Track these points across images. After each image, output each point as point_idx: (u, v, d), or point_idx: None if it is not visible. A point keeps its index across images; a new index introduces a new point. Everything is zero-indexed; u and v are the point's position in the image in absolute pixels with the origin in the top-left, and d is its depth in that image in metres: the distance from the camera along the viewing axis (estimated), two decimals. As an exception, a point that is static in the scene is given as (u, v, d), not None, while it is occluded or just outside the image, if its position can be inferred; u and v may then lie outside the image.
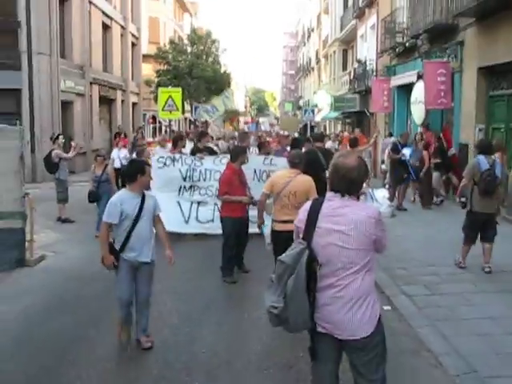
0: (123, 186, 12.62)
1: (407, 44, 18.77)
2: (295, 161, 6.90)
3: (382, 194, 13.76)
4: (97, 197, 10.94)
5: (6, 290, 7.53)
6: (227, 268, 7.98)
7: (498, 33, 12.86)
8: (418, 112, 17.41)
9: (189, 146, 13.13)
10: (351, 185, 3.49)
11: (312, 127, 42.89)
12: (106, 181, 11.11)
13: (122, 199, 5.42)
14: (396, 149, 14.58)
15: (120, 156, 14.96)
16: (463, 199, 8.41)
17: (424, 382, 4.90)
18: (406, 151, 14.45)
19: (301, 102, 59.75)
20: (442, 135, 14.78)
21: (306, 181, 6.70)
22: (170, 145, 12.83)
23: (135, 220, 5.37)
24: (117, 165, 14.43)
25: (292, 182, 6.65)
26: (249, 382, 4.97)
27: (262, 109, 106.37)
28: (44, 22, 20.73)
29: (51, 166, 12.22)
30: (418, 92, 16.60)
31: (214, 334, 5.95)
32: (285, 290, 3.36)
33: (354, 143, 13.52)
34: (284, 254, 3.45)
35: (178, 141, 12.15)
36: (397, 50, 20.15)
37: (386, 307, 6.76)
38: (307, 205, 3.64)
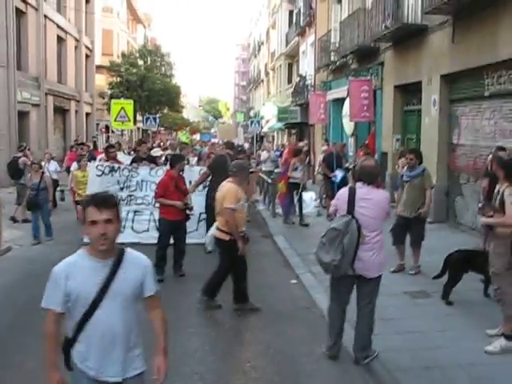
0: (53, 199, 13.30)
1: (338, 63, 20.79)
2: (233, 170, 7.30)
3: (309, 195, 15.68)
4: (36, 204, 11.20)
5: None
6: (158, 266, 8.18)
7: (408, 56, 14.92)
8: (347, 124, 19.40)
9: (122, 157, 13.36)
10: (373, 178, 5.46)
11: (261, 137, 44.88)
12: (44, 189, 11.35)
13: (70, 271, 3.06)
14: (329, 162, 14.99)
15: (50, 169, 14.72)
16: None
17: (313, 328, 6.53)
18: (339, 173, 14.44)
19: (251, 113, 61.59)
20: (367, 142, 16.25)
21: (221, 189, 7.13)
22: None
23: (91, 307, 3.04)
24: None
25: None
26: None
27: (216, 118, 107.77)
28: (1, 35, 21.82)
29: (16, 171, 13.39)
30: (347, 106, 18.55)
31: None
32: (341, 248, 5.12)
33: (296, 153, 14.39)
34: (335, 223, 5.27)
35: (108, 151, 12.50)
36: (330, 67, 22.17)
37: (293, 281, 8.51)
38: (345, 190, 5.48)
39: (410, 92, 15.47)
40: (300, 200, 13.68)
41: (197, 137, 46.54)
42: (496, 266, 5.64)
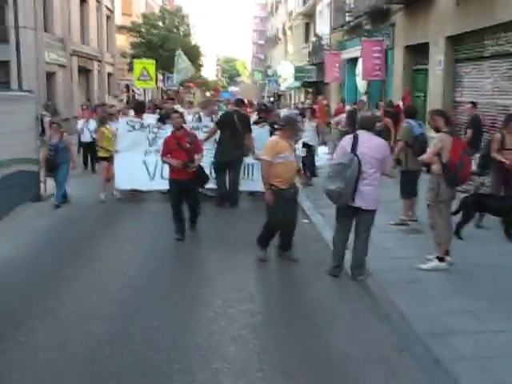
0: (93, 160, 14.16)
1: (352, 23, 21.54)
2: (281, 123, 7.52)
3: (323, 150, 16.68)
4: (54, 165, 11.01)
5: (34, 213, 10.24)
6: (175, 225, 8.50)
7: (417, 18, 15.73)
8: (361, 83, 20.34)
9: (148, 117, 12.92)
10: (372, 125, 6.74)
11: (279, 96, 45.66)
12: (63, 149, 11.14)
13: None
14: (352, 118, 14.76)
15: (90, 128, 14.56)
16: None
17: (320, 255, 7.70)
18: None
19: (269, 72, 62.06)
20: (403, 99, 15.76)
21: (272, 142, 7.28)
22: (132, 113, 13.14)
23: None
24: (86, 138, 14.78)
25: None
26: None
27: (233, 77, 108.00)
28: (29, -1, 22.80)
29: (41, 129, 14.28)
30: (360, 66, 19.42)
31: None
32: (345, 178, 6.21)
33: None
34: (341, 159, 6.38)
35: (139, 108, 12.69)
36: (345, 27, 22.90)
37: (304, 220, 9.68)
38: (350, 137, 6.59)
39: (418, 52, 16.31)
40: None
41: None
42: (428, 198, 6.89)
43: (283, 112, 20.40)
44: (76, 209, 10.87)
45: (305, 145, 13.08)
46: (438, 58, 14.31)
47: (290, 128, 7.14)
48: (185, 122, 9.32)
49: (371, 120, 6.93)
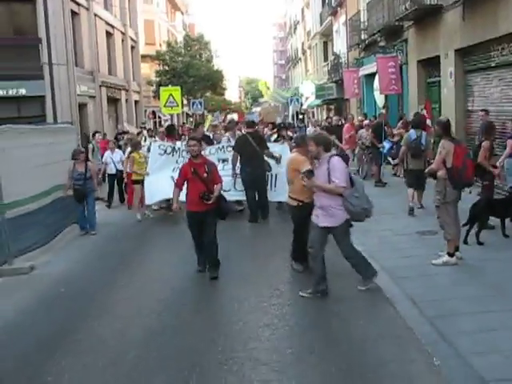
0: (121, 192, 14.75)
1: (367, 41, 22.42)
2: (297, 141, 8.18)
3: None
4: (83, 195, 11.14)
5: (79, 234, 11.23)
6: (197, 256, 8.13)
7: (427, 33, 16.55)
8: (379, 97, 21.09)
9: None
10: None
11: (303, 114, 46.54)
12: (90, 178, 11.28)
13: None
14: (378, 132, 15.82)
15: (114, 159, 14.57)
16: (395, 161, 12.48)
17: (335, 258, 8.49)
18: (386, 144, 15.52)
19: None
20: (425, 111, 16.30)
21: (290, 159, 7.92)
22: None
23: None
24: (112, 170, 14.56)
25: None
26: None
27: (256, 98, 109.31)
28: (60, 36, 24.19)
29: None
30: (377, 81, 20.20)
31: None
32: (366, 197, 6.55)
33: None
34: (358, 183, 6.60)
35: (170, 132, 13.53)
36: (360, 45, 23.80)
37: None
38: (340, 158, 6.58)
39: (431, 65, 17.08)
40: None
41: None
42: (436, 200, 7.61)
43: (309, 130, 20.49)
44: (116, 228, 11.89)
45: None
46: (449, 70, 15.06)
47: (303, 145, 7.48)
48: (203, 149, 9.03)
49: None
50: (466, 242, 8.36)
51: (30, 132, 9.93)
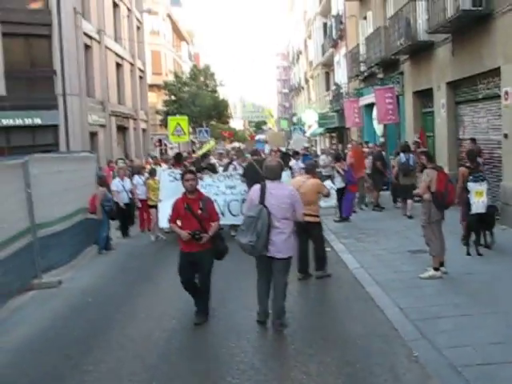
0: (123, 224, 15.18)
1: (366, 73, 23.59)
2: (308, 168, 9.63)
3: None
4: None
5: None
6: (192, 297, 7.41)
7: (421, 67, 17.66)
8: (378, 126, 22.20)
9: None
10: (276, 174, 6.74)
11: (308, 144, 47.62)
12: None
13: None
14: (381, 158, 16.71)
15: (125, 187, 14.28)
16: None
17: (338, 272, 9.40)
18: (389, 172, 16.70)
19: (294, 119, 64.41)
20: (419, 138, 17.19)
21: (313, 183, 9.08)
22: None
23: None
24: (125, 200, 14.13)
25: (304, 184, 9.00)
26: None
27: (260, 126, 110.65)
28: (74, 68, 25.41)
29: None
30: (375, 111, 21.30)
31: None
32: (256, 231, 6.27)
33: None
34: (250, 212, 6.41)
35: (178, 159, 14.29)
36: (359, 76, 24.96)
37: (327, 249, 11.37)
38: (258, 186, 6.67)
39: (425, 97, 18.15)
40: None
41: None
42: (422, 220, 8.58)
43: (322, 158, 19.61)
44: (132, 248, 12.89)
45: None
46: (441, 102, 16.11)
47: (312, 171, 9.48)
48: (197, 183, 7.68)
49: (277, 169, 6.79)
50: (468, 254, 9.72)
51: (57, 160, 10.95)
